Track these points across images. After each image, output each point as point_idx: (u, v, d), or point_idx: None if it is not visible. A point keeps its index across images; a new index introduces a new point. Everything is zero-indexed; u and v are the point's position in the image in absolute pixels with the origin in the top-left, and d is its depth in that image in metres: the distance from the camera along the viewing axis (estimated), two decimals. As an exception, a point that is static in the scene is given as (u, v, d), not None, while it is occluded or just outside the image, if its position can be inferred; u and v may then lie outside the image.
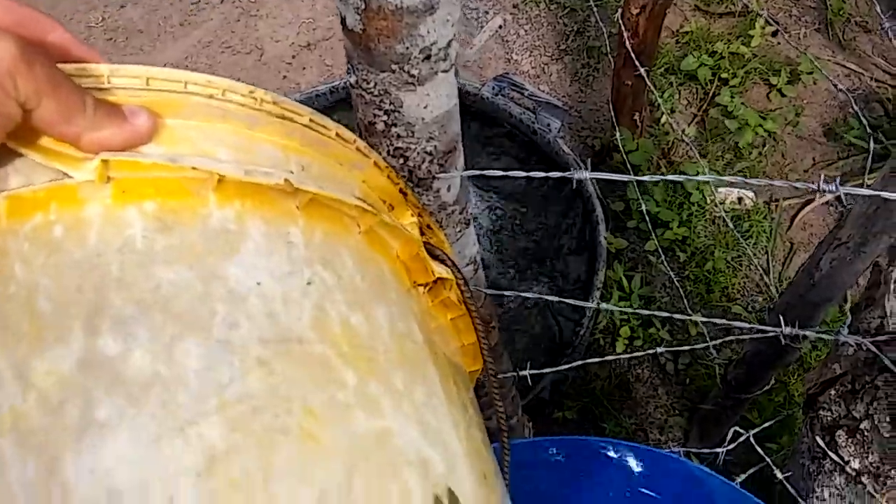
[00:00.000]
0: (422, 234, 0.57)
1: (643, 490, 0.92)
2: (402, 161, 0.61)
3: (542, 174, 0.68)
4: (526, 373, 0.99)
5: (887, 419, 0.85)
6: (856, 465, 0.92)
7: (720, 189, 1.86)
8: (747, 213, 1.82)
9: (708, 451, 1.23)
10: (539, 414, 1.58)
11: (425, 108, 0.57)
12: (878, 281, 0.90)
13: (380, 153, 0.62)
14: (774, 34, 2.10)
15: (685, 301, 1.50)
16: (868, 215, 0.97)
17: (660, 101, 2.00)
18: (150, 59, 2.25)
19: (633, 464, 0.91)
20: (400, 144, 0.60)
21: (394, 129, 0.59)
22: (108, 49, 2.28)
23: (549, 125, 1.74)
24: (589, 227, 1.67)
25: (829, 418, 0.95)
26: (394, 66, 0.53)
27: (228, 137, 0.45)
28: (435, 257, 0.57)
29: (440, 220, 0.70)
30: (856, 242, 1.00)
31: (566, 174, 0.64)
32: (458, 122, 0.63)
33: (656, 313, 0.88)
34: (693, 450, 1.14)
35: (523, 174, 0.67)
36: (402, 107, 0.57)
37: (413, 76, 0.54)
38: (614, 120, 1.79)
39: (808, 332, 0.79)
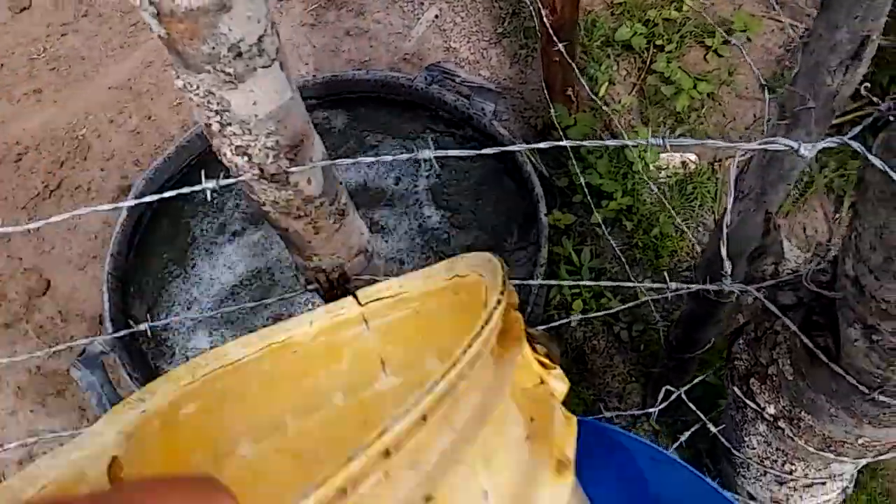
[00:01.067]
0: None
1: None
2: (247, 159, 0.63)
3: (440, 153, 0.69)
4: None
5: (789, 363, 0.87)
6: (771, 410, 0.94)
7: (662, 155, 1.87)
8: (690, 176, 1.83)
9: (639, 412, 1.24)
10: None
11: (254, 104, 0.59)
12: (769, 229, 0.91)
13: (224, 154, 0.63)
14: (706, -5, 2.10)
15: (628, 270, 1.52)
16: (763, 166, 0.98)
17: (598, 73, 2.01)
18: (95, 84, 2.26)
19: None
20: (239, 143, 0.61)
21: (229, 129, 0.60)
22: (53, 79, 2.29)
23: (483, 109, 1.75)
24: (531, 206, 1.69)
25: (742, 368, 0.96)
26: (207, 67, 0.55)
27: None
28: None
29: (309, 214, 0.72)
30: (756, 193, 1.01)
31: (480, 152, 0.66)
32: (303, 115, 0.64)
33: (582, 283, 0.89)
34: (623, 413, 1.15)
35: (407, 156, 0.69)
36: (230, 106, 0.58)
37: (230, 75, 0.56)
38: (548, 98, 1.80)
39: (692, 287, 0.81)
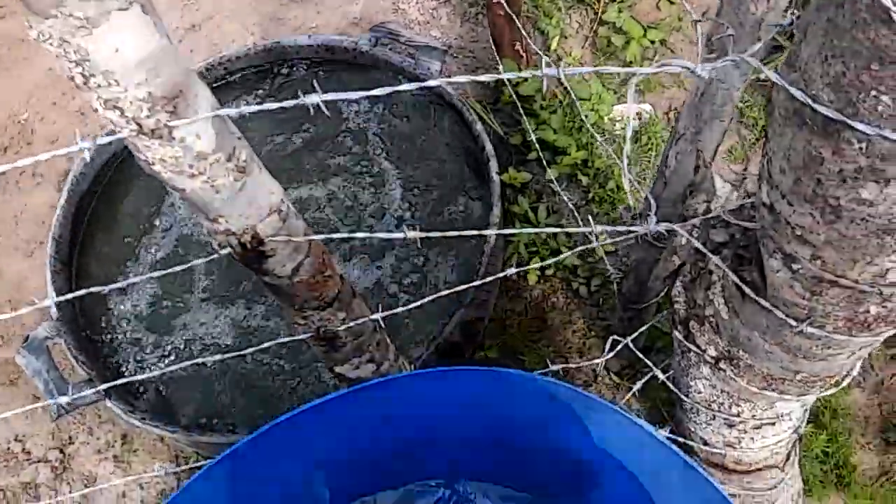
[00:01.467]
0: None
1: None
2: (119, 113, 0.59)
3: (329, 96, 0.65)
4: (378, 316, 0.98)
5: (723, 302, 0.84)
6: (712, 352, 0.92)
7: (616, 107, 1.84)
8: (645, 127, 1.80)
9: (587, 363, 1.23)
10: (457, 356, 1.58)
11: (116, 52, 0.55)
12: (698, 166, 0.88)
13: (96, 109, 0.60)
14: (657, -59, 2.05)
15: (583, 224, 1.49)
16: (695, 104, 0.95)
17: (549, 27, 1.97)
18: (35, 67, 2.19)
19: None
20: (107, 95, 0.57)
21: (93, 80, 0.56)
22: (-9, 63, 2.21)
23: (429, 68, 1.70)
24: (483, 165, 1.65)
25: (681, 311, 0.94)
26: (53, 11, 0.51)
27: None
28: None
29: (203, 172, 0.68)
30: (691, 132, 0.98)
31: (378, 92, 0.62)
32: (179, 64, 0.60)
33: (525, 231, 0.86)
34: (576, 364, 1.14)
35: (292, 102, 0.65)
36: (88, 55, 0.54)
37: (81, 19, 0.52)
38: (496, 55, 1.76)
39: (617, 228, 0.78)
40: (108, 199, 1.72)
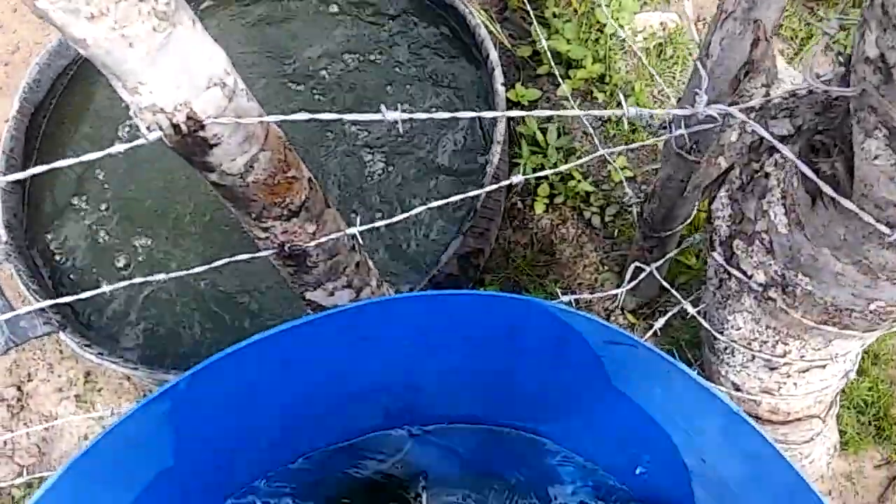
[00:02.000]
0: None
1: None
2: None
3: None
4: (356, 230, 0.81)
5: (783, 213, 0.67)
6: (760, 278, 0.75)
7: (639, 16, 1.63)
8: (670, 38, 1.60)
9: (603, 294, 1.07)
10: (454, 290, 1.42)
11: None
12: (757, 39, 0.70)
13: None
14: None
15: (600, 147, 1.31)
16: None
17: (564, -74, 1.75)
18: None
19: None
20: None
21: None
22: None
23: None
24: (487, 76, 1.46)
25: (724, 229, 0.77)
26: None
27: None
28: None
29: (105, 12, 0.51)
30: (743, 9, 0.79)
31: None
32: None
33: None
34: (591, 294, 0.98)
35: None
36: None
37: None
38: (504, -50, 1.55)
39: (655, 112, 0.60)
40: (64, 114, 1.54)
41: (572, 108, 1.52)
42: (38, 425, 1.35)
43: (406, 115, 0.63)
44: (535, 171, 1.51)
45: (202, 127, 0.63)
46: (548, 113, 0.68)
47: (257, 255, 0.80)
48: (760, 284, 0.76)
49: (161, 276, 0.83)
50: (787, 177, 0.66)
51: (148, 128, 0.62)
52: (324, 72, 1.57)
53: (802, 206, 0.63)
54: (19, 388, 1.42)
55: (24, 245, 1.37)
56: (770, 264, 0.73)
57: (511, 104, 1.59)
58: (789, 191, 0.66)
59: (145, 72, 0.57)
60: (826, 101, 0.61)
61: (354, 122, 1.49)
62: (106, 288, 0.83)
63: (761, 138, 0.66)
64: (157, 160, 1.48)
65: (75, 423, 1.35)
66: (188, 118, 0.62)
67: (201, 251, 1.42)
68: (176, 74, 0.58)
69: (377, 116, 0.63)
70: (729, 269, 0.78)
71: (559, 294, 1.38)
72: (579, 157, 1.53)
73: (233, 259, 0.80)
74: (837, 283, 0.66)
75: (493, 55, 1.42)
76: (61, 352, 1.46)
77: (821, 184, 0.55)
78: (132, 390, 1.41)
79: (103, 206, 1.46)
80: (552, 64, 1.48)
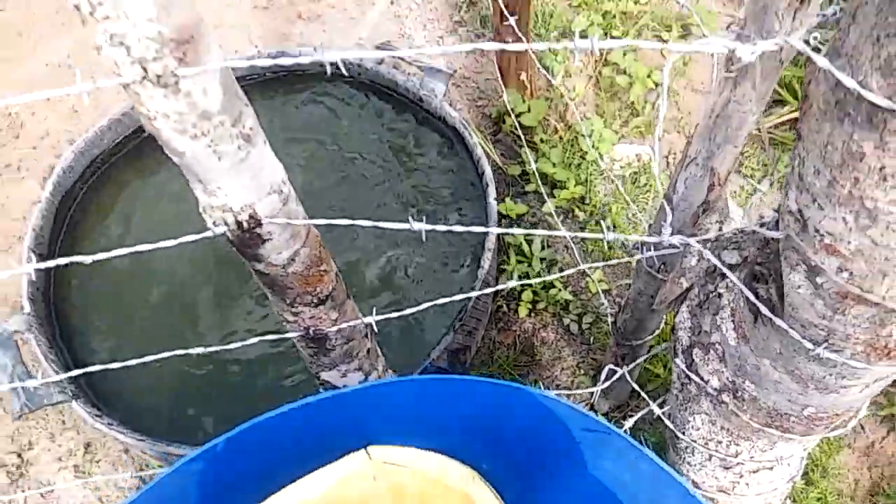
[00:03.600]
0: None
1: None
2: (125, 52, 0.55)
3: None
4: (371, 319, 0.93)
5: (731, 327, 0.81)
6: (715, 383, 0.88)
7: (617, 147, 1.83)
8: (644, 168, 1.80)
9: (580, 391, 1.18)
10: (440, 385, 1.52)
11: (127, -14, 0.52)
12: (713, 184, 0.86)
13: (101, 48, 0.56)
14: (665, -10, 2.09)
15: (580, 260, 1.46)
16: (710, 126, 0.94)
17: (553, 63, 1.98)
18: (33, 60, 2.16)
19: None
20: (115, 29, 0.54)
21: (100, 9, 0.53)
22: (-12, 56, 2.18)
23: (433, 89, 1.70)
24: (480, 190, 1.63)
25: (685, 339, 0.91)
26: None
27: None
28: None
29: (207, 134, 0.64)
30: (703, 157, 0.96)
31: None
32: (191, 8, 0.57)
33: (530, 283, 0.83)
34: (569, 392, 1.09)
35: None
36: (98, -16, 0.51)
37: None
38: (501, 82, 1.76)
39: (632, 238, 0.75)
40: (96, 200, 1.67)
41: (556, 224, 1.69)
42: (36, 494, 1.39)
43: (429, 227, 0.76)
44: (520, 278, 1.65)
45: (259, 224, 0.76)
46: (538, 232, 0.83)
47: (284, 336, 0.91)
48: (715, 389, 0.89)
49: (179, 352, 0.93)
50: (735, 298, 0.80)
51: (214, 223, 0.76)
52: (343, 168, 1.73)
53: (747, 322, 0.77)
54: (20, 456, 1.47)
55: (45, 316, 1.46)
56: (723, 371, 0.86)
57: (501, 216, 1.75)
58: (737, 309, 0.80)
59: (224, 179, 0.70)
60: (765, 239, 0.77)
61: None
62: (120, 364, 0.94)
63: (715, 265, 0.81)
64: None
65: (72, 493, 1.40)
66: (250, 217, 0.75)
67: (218, 325, 1.52)
68: (247, 182, 0.72)
69: (405, 226, 0.77)
70: (689, 374, 0.91)
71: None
72: (561, 269, 1.69)
73: (262, 339, 0.91)
74: (777, 390, 0.79)
75: (488, 172, 1.59)
76: (63, 422, 1.52)
77: (760, 306, 0.69)
78: (130, 463, 1.47)
79: (125, 281, 1.57)
80: (539, 183, 1.66)
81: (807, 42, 0.55)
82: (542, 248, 1.70)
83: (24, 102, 2.01)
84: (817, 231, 0.58)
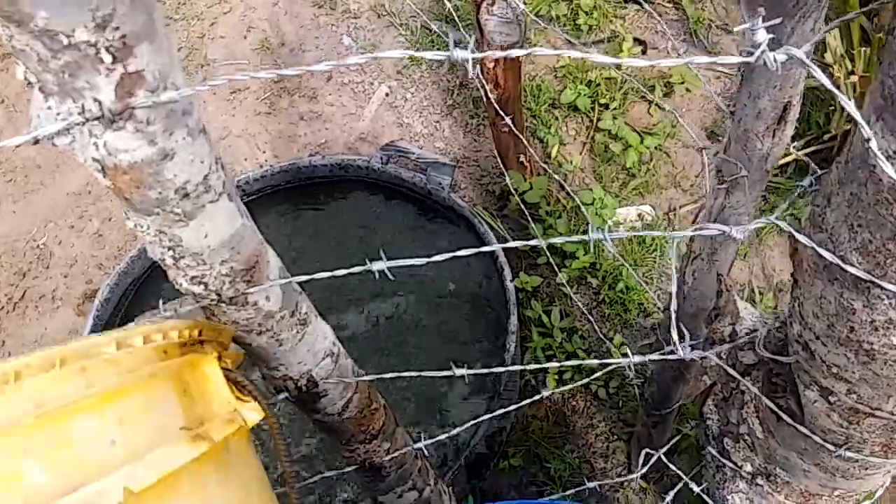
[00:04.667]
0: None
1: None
2: (203, 287, 0.64)
3: (392, 263, 0.70)
4: (421, 445, 1.01)
5: (757, 422, 0.88)
6: (748, 468, 0.95)
7: (619, 210, 1.91)
8: (648, 228, 1.88)
9: (618, 481, 1.24)
10: (483, 467, 1.59)
11: (206, 237, 0.60)
12: (721, 290, 0.94)
13: (180, 283, 0.64)
14: (643, 52, 2.19)
15: (597, 328, 1.53)
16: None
17: (548, 136, 2.07)
18: (53, 191, 2.26)
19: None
20: (194, 273, 0.62)
21: (183, 261, 0.61)
22: (10, 190, 2.28)
23: (440, 183, 1.79)
24: (496, 274, 1.71)
25: (715, 428, 0.97)
26: (156, 210, 0.56)
27: (37, 436, 0.46)
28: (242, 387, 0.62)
29: (270, 329, 0.72)
30: (707, 253, 1.04)
31: (438, 259, 0.67)
32: (256, 237, 0.66)
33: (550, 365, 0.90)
34: (607, 481, 1.16)
35: (360, 269, 0.70)
36: (181, 241, 0.59)
37: (179, 214, 0.57)
38: (503, 167, 1.85)
39: (652, 357, 0.82)
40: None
41: (570, 293, 1.76)
42: None
43: (465, 371, 0.84)
44: (544, 351, 1.72)
45: (316, 385, 0.84)
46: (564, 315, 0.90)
47: (344, 470, 0.99)
48: (749, 473, 0.95)
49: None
50: (758, 397, 0.87)
51: (276, 389, 0.83)
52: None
53: (771, 420, 0.84)
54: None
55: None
56: (754, 459, 0.93)
57: (517, 290, 1.83)
58: (760, 407, 0.87)
59: (285, 357, 0.78)
60: (778, 343, 0.84)
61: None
62: None
63: (734, 364, 0.88)
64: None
65: None
66: (308, 381, 0.83)
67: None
68: (304, 355, 0.80)
69: (447, 372, 0.84)
70: (722, 460, 0.97)
71: (576, 462, 1.55)
72: (581, 337, 1.76)
73: (323, 476, 0.99)
74: (807, 477, 0.86)
75: (501, 256, 1.67)
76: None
77: (781, 414, 0.76)
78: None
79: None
80: (549, 256, 1.74)
81: (792, 216, 0.63)
82: (561, 317, 1.78)
83: (50, 232, 2.10)
84: (823, 361, 0.65)
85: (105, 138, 0.49)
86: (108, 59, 0.44)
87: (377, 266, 0.66)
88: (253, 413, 0.63)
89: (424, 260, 0.64)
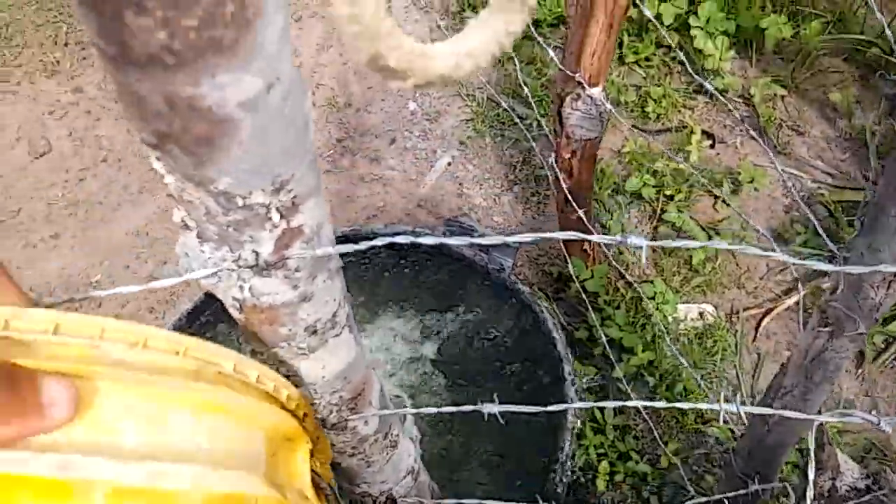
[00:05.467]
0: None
1: None
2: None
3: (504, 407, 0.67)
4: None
5: (854, 586, 0.82)
6: None
7: (680, 306, 1.87)
8: (709, 329, 1.83)
9: None
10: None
11: (322, 368, 0.58)
12: (822, 443, 0.89)
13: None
14: (712, 146, 2.18)
15: (654, 428, 1.48)
16: (805, 366, 0.97)
17: (610, 222, 2.05)
18: (112, 229, 2.29)
19: None
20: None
21: (284, 391, 0.59)
22: (71, 224, 2.31)
23: (501, 264, 1.76)
24: (550, 364, 1.67)
25: (800, 581, 0.92)
26: (282, 344, 0.54)
27: (141, 406, 0.45)
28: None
29: (363, 452, 0.70)
30: (800, 391, 1.00)
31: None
32: (363, 365, 0.64)
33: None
34: None
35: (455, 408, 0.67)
36: (299, 372, 0.57)
37: (303, 349, 0.55)
38: (565, 253, 1.82)
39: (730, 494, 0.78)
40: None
41: (626, 391, 1.71)
42: None
43: (500, 408, 0.80)
44: (596, 448, 1.66)
45: (395, 502, 0.80)
46: (614, 403, 0.86)
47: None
48: None
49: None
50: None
51: (352, 502, 0.80)
52: (427, 338, 1.79)
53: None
54: None
55: None
56: None
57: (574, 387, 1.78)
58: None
59: (371, 477, 0.75)
60: (884, 507, 0.79)
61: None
62: None
63: (831, 521, 0.83)
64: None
65: None
66: (387, 499, 0.79)
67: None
68: (389, 475, 0.77)
69: (472, 408, 0.80)
70: None
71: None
72: (634, 436, 1.70)
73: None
74: None
75: (561, 349, 1.63)
76: None
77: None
78: None
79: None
80: (607, 349, 1.70)
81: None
82: (615, 414, 1.72)
83: (105, 270, 2.11)
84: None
85: (251, 283, 0.47)
86: (276, 217, 0.42)
87: (487, 409, 0.63)
88: None
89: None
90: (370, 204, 2.26)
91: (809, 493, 0.65)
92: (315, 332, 0.54)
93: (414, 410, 0.65)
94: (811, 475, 0.63)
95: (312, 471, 0.62)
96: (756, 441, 1.09)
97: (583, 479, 1.66)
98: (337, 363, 0.59)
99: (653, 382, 1.75)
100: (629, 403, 0.65)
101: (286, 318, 0.51)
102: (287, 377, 0.58)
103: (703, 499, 1.40)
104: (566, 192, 1.59)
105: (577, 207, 1.54)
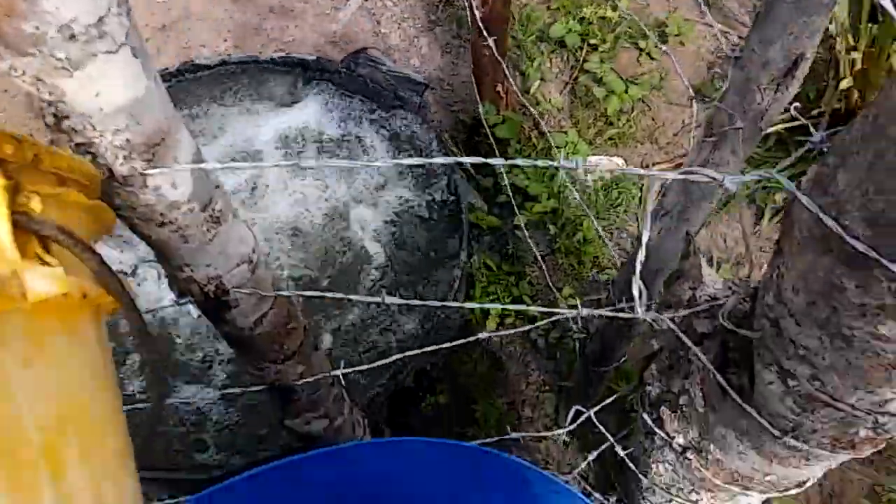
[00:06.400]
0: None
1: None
2: (91, 157, 0.53)
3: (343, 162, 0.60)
4: (338, 372, 0.93)
5: (700, 394, 0.82)
6: (680, 440, 0.90)
7: (590, 158, 1.83)
8: (617, 181, 1.80)
9: (543, 435, 1.20)
10: (409, 403, 1.53)
11: (97, 96, 0.49)
12: (688, 252, 0.87)
13: (66, 149, 0.53)
14: (643, -4, 2.07)
15: (548, 276, 1.46)
16: (686, 184, 0.94)
17: (529, 69, 1.96)
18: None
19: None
20: (80, 140, 0.51)
21: (66, 122, 0.50)
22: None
23: (407, 100, 1.66)
24: (455, 204, 1.62)
25: (653, 394, 0.92)
26: (32, 50, 0.45)
27: None
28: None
29: (174, 221, 0.62)
30: (678, 210, 0.96)
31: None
32: (165, 109, 0.55)
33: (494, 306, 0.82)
34: (532, 433, 1.10)
35: (288, 164, 0.60)
36: (64, 96, 0.48)
37: (62, 59, 0.46)
38: (477, 93, 1.74)
39: (604, 311, 0.75)
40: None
41: (525, 237, 1.69)
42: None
43: (400, 301, 0.75)
44: (489, 293, 1.65)
45: (226, 293, 0.74)
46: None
47: (248, 389, 0.90)
48: (680, 445, 0.90)
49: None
50: (706, 370, 0.81)
51: (180, 292, 0.74)
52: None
53: (715, 396, 0.78)
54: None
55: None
56: (689, 432, 0.88)
57: (472, 225, 1.74)
58: (706, 380, 0.81)
59: (191, 258, 0.68)
60: (740, 315, 0.77)
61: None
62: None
63: (686, 331, 0.82)
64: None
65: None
66: (216, 288, 0.73)
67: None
68: (215, 258, 0.70)
69: (377, 299, 0.75)
70: (655, 428, 0.92)
71: (504, 408, 1.50)
72: (529, 283, 1.69)
73: (227, 391, 0.90)
74: (741, 459, 0.81)
75: (462, 186, 1.57)
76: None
77: (729, 391, 0.70)
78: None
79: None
80: (511, 196, 1.65)
81: (791, 178, 0.55)
82: (512, 263, 1.70)
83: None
84: (792, 342, 0.59)
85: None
86: None
87: (309, 163, 0.55)
88: (43, 282, 0.42)
89: (376, 163, 0.54)
90: (278, 38, 2.09)
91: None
92: (73, 36, 0.45)
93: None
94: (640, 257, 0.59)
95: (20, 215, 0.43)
96: (631, 271, 1.07)
97: (474, 321, 1.65)
98: (116, 92, 0.50)
99: (554, 231, 1.73)
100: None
101: (26, 7, 0.42)
102: (52, 104, 0.49)
103: (584, 335, 1.41)
104: (479, 21, 1.48)
105: (488, 35, 1.43)
